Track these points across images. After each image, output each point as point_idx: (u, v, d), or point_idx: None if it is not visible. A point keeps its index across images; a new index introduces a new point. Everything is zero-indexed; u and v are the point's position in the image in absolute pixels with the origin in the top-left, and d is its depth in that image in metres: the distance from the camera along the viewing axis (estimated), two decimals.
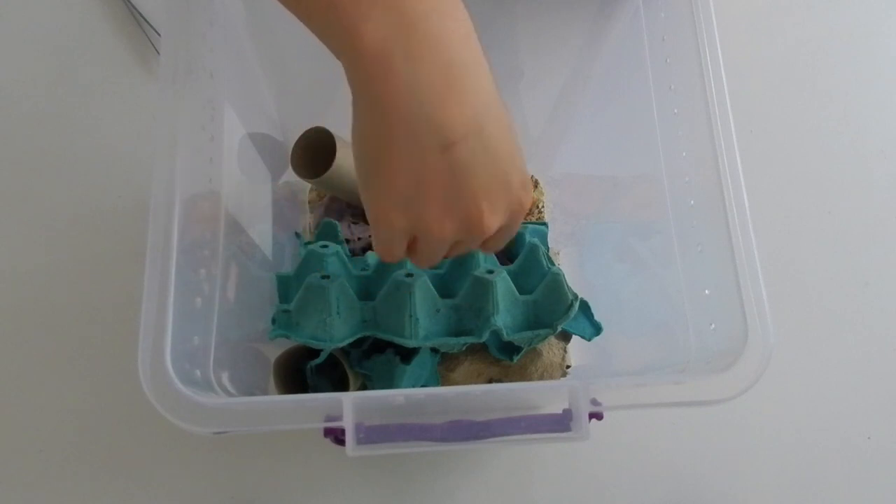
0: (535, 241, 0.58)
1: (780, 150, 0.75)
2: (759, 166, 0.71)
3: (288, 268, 0.59)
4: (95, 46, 0.74)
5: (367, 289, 0.54)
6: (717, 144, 0.43)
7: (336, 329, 0.51)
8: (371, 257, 0.59)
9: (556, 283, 0.53)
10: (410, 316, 0.51)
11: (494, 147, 0.35)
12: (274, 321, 0.52)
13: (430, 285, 0.52)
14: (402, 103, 0.33)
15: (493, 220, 0.37)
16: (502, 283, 0.52)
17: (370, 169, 0.36)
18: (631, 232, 0.58)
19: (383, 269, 0.54)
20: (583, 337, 0.57)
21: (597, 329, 0.57)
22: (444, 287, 0.54)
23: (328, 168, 0.57)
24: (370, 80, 0.33)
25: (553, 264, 0.57)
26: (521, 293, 0.54)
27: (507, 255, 0.61)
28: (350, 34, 0.32)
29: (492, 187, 0.36)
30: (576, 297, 0.54)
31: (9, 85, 0.73)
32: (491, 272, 0.53)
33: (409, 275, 0.52)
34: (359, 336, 0.52)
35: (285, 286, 0.56)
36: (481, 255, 0.55)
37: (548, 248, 0.63)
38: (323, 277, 0.52)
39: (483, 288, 0.52)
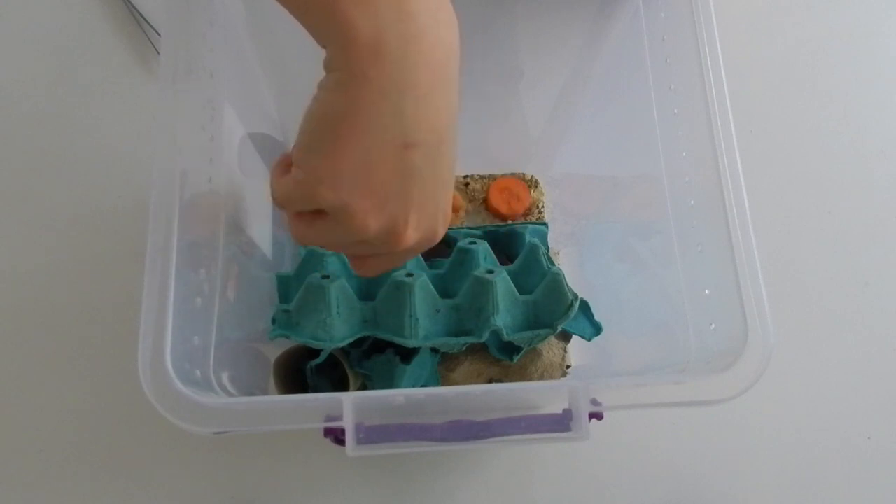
0: (535, 241, 0.58)
1: (780, 150, 0.75)
2: (759, 166, 0.71)
3: (288, 268, 0.59)
4: (95, 46, 0.74)
5: (367, 289, 0.54)
6: (717, 144, 0.43)
7: (336, 329, 0.51)
8: None
9: (556, 283, 0.53)
10: (410, 316, 0.51)
11: (442, 167, 0.36)
12: (274, 321, 0.52)
13: (430, 285, 0.52)
14: (382, 88, 0.33)
15: (411, 236, 0.37)
16: (502, 283, 0.52)
17: (321, 137, 0.35)
18: (631, 232, 0.58)
19: None
20: (583, 337, 0.57)
21: (597, 329, 0.57)
22: (444, 287, 0.54)
23: None
24: (358, 59, 0.32)
25: (553, 264, 0.57)
26: (521, 293, 0.54)
27: (507, 255, 0.61)
28: (346, 13, 0.32)
29: (425, 204, 0.36)
30: (576, 297, 0.54)
31: (9, 85, 0.73)
32: (491, 272, 0.53)
33: (410, 275, 0.52)
34: (359, 336, 0.52)
35: (285, 286, 0.56)
36: (481, 255, 0.55)
37: (548, 248, 0.63)
38: (323, 277, 0.52)
39: (483, 288, 0.52)
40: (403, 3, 0.32)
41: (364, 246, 0.38)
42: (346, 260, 0.55)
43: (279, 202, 0.38)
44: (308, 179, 0.35)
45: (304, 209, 0.37)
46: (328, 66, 0.34)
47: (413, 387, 0.55)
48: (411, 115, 0.33)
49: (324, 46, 0.34)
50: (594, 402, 0.38)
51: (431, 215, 0.37)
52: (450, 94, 0.35)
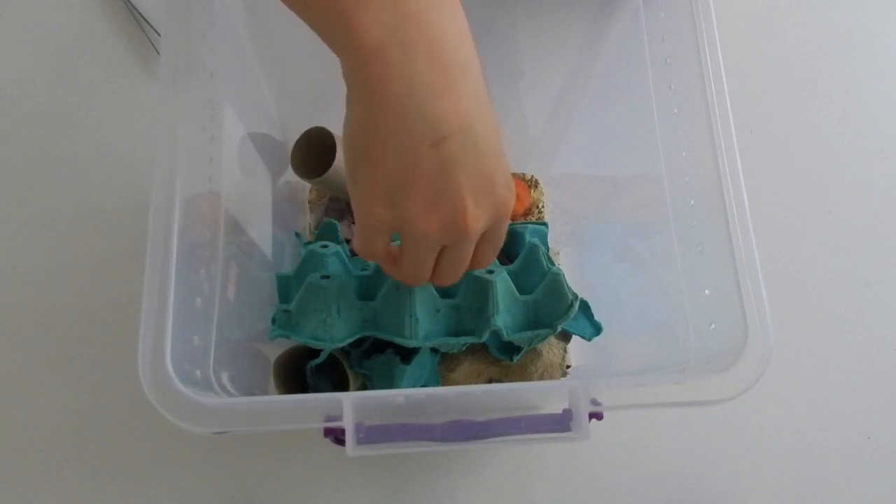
0: (535, 241, 0.58)
1: (780, 150, 0.75)
2: (759, 166, 0.71)
3: (288, 268, 0.59)
4: (95, 46, 0.74)
5: (367, 289, 0.54)
6: (717, 144, 0.43)
7: (336, 329, 0.51)
8: None
9: (556, 283, 0.53)
10: (410, 316, 0.51)
11: (482, 144, 0.35)
12: (274, 321, 0.52)
13: (431, 285, 0.52)
14: (396, 94, 0.33)
15: (476, 218, 0.37)
16: (502, 283, 0.52)
17: (358, 160, 0.35)
18: (631, 232, 0.58)
19: None
20: (583, 337, 0.57)
21: (597, 329, 0.57)
22: (444, 287, 0.54)
23: (328, 168, 0.57)
24: (366, 69, 0.33)
25: (553, 264, 0.57)
26: (521, 293, 0.54)
27: (507, 255, 0.61)
28: (347, 25, 0.32)
29: (476, 184, 0.36)
30: (576, 297, 0.54)
31: (9, 85, 0.73)
32: (491, 272, 0.53)
33: None
34: (359, 336, 0.52)
35: (285, 286, 0.56)
36: None
37: (548, 248, 0.63)
38: (323, 277, 0.52)
39: (483, 288, 0.52)
40: (401, 4, 0.32)
41: (448, 254, 0.38)
42: (346, 260, 0.55)
43: (360, 251, 0.38)
44: (361, 207, 0.36)
45: (379, 242, 0.38)
46: (345, 78, 0.34)
47: (413, 387, 0.55)
48: (432, 112, 0.33)
49: (337, 54, 0.34)
50: (594, 402, 0.38)
51: (489, 190, 0.37)
52: (468, 76, 0.34)
